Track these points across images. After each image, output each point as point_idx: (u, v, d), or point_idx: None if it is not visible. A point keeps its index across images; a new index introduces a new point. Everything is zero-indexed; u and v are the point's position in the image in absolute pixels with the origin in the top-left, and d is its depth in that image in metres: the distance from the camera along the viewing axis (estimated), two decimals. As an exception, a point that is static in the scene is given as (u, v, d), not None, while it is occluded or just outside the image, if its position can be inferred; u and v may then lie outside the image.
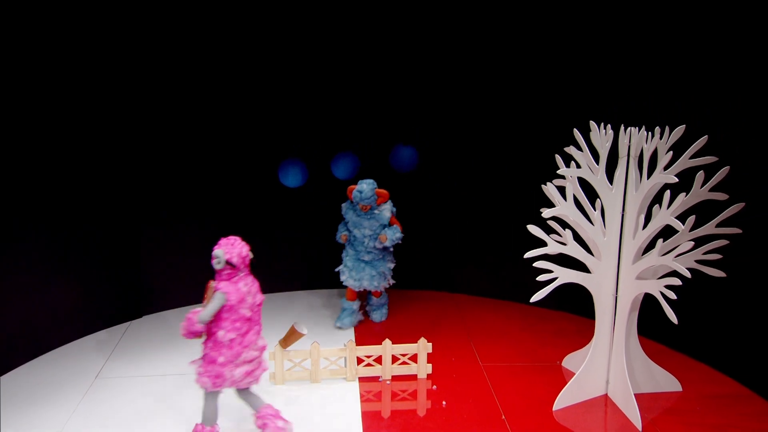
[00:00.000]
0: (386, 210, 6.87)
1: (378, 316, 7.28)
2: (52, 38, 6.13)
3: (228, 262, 4.75)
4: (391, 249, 7.12)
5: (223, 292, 4.71)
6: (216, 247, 4.84)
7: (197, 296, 7.65)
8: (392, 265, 7.14)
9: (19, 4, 5.80)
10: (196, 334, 4.74)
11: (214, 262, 4.80)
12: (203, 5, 6.87)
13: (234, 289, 4.76)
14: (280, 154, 7.35)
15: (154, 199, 7.27)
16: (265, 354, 5.11)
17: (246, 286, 4.85)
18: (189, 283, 7.61)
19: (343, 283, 7.08)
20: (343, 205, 7.05)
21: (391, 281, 7.15)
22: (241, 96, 7.31)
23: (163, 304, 7.59)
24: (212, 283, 4.86)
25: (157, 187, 7.27)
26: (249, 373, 4.91)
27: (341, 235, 7.05)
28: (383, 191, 6.75)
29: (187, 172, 7.36)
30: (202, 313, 4.69)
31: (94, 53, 6.53)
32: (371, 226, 6.84)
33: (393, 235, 6.83)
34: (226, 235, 5.35)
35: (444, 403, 5.92)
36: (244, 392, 5.08)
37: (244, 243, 4.91)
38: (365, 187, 6.68)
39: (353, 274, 6.98)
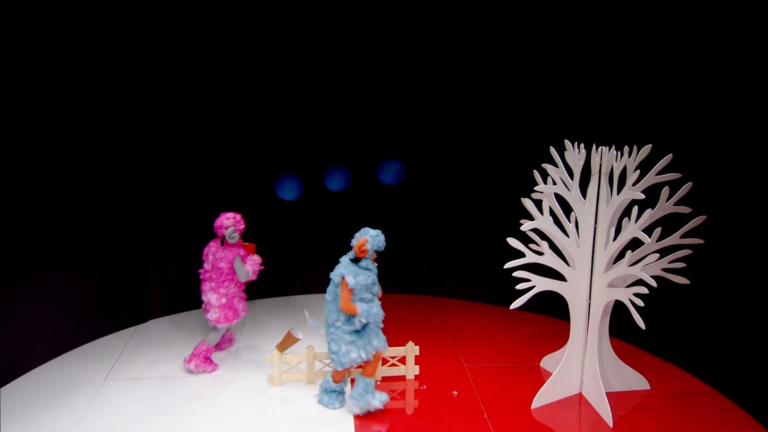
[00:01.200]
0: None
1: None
2: (54, 39, 5.99)
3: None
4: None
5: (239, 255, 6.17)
6: (224, 225, 6.06)
7: (200, 301, 7.74)
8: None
9: (20, 4, 5.65)
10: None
11: (230, 238, 6.09)
12: (208, 20, 6.81)
13: (207, 246, 6.26)
14: (277, 170, 7.30)
15: (158, 210, 7.21)
16: (213, 305, 6.13)
17: (214, 247, 6.20)
18: (192, 289, 7.61)
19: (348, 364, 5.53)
20: (345, 269, 5.39)
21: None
22: (245, 114, 7.27)
23: (168, 309, 7.55)
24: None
25: (161, 199, 7.21)
26: (204, 309, 6.27)
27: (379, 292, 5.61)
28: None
29: (191, 183, 7.30)
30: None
31: (101, 60, 6.40)
32: (374, 278, 5.56)
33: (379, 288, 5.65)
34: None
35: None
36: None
37: (225, 219, 6.11)
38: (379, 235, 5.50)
39: (364, 348, 5.53)
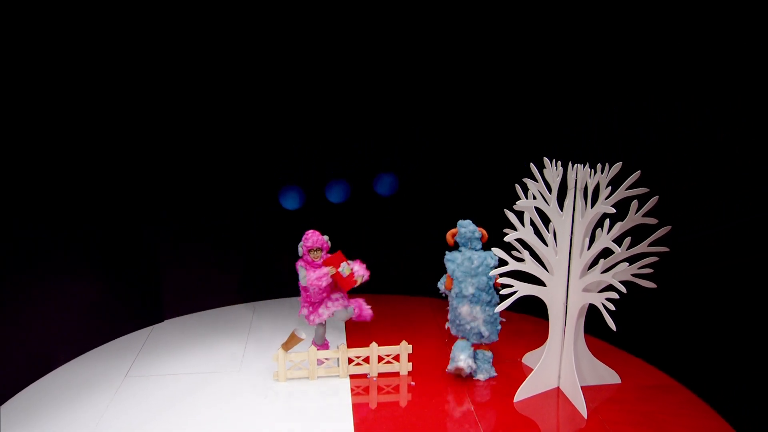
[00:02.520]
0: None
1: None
2: (57, 39, 5.81)
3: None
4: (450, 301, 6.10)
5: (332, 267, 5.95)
6: (312, 242, 5.97)
7: (213, 302, 7.72)
8: (452, 316, 6.06)
9: (24, 3, 5.47)
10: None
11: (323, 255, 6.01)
12: (217, 28, 6.69)
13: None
14: (281, 180, 7.29)
15: (172, 217, 7.17)
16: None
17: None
18: (205, 291, 7.65)
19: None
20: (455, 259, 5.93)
21: (452, 330, 6.12)
22: (254, 122, 7.21)
23: (182, 310, 7.53)
24: (327, 257, 6.01)
25: (175, 208, 7.16)
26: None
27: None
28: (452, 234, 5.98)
29: (206, 189, 7.25)
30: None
31: (109, 63, 6.24)
32: None
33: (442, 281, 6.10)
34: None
35: (413, 383, 6.04)
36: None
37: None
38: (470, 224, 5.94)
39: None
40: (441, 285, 6.12)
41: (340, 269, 5.85)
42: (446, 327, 6.14)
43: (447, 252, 5.99)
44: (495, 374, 6.11)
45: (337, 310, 6.09)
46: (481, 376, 6.06)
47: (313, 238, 5.96)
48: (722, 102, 5.32)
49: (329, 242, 6.09)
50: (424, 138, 7.42)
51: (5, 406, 5.65)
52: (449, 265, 5.90)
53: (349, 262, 6.00)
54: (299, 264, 6.04)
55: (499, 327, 5.99)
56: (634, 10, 5.89)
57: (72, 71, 6.03)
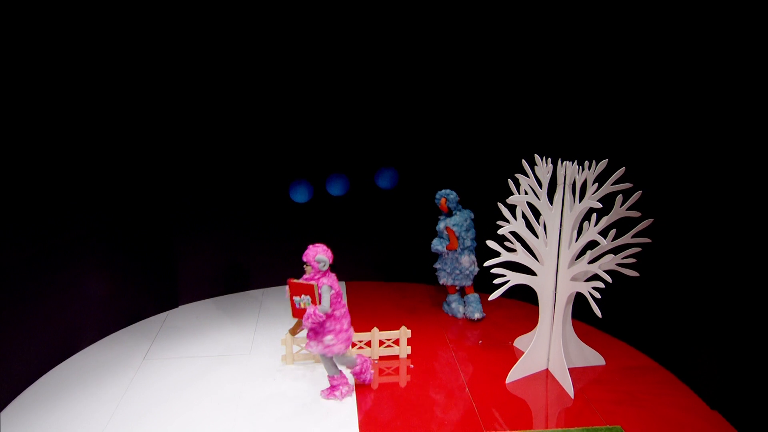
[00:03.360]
0: (442, 221, 6.76)
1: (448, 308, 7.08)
2: (80, 36, 5.75)
3: (330, 265, 5.24)
4: (444, 258, 6.83)
5: (328, 285, 5.15)
6: (313, 254, 5.20)
7: (224, 288, 7.71)
8: (439, 266, 6.88)
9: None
10: (319, 323, 5.14)
11: (319, 265, 5.16)
12: (243, 36, 6.70)
13: (333, 279, 5.24)
14: (291, 174, 7.26)
15: (186, 208, 7.16)
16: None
17: (334, 278, 5.29)
18: (216, 278, 7.66)
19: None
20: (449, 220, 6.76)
21: (443, 280, 6.91)
22: (266, 130, 7.24)
23: (195, 296, 7.53)
24: (294, 281, 5.16)
25: (189, 198, 7.14)
26: (347, 340, 5.36)
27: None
28: (443, 203, 6.66)
29: (215, 185, 7.25)
30: (321, 306, 5.08)
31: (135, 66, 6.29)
32: (438, 229, 6.79)
33: (434, 244, 6.77)
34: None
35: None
36: (339, 357, 5.45)
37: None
38: (439, 192, 6.71)
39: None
40: (440, 246, 6.75)
41: (296, 298, 5.14)
42: (441, 282, 7.02)
43: (445, 218, 6.71)
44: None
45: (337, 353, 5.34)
46: (477, 314, 6.83)
47: (307, 251, 5.26)
48: (702, 101, 5.32)
49: (324, 263, 5.19)
50: (425, 137, 7.41)
51: (35, 385, 5.70)
52: (456, 228, 6.62)
53: (319, 294, 5.14)
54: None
55: None
56: (620, 16, 5.90)
57: (102, 69, 6.05)
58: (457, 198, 6.69)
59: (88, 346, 6.42)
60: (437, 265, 6.97)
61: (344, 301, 5.41)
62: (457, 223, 6.65)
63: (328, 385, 5.52)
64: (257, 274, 7.93)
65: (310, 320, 5.08)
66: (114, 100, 6.24)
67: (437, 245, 6.78)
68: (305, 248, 5.76)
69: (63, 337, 6.11)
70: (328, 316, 5.18)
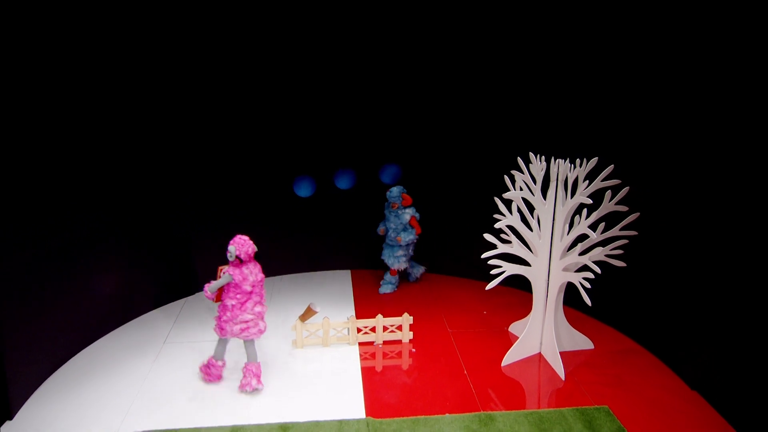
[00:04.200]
0: (407, 213, 7.01)
1: (385, 288, 7.39)
2: (89, 38, 5.64)
3: (237, 257, 5.17)
4: (408, 244, 7.19)
5: (230, 274, 5.19)
6: (231, 243, 5.19)
7: None
8: (402, 252, 7.20)
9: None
10: (210, 298, 5.29)
11: (227, 254, 5.19)
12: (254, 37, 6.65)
13: (238, 272, 5.18)
14: (296, 170, 7.29)
15: (202, 204, 7.18)
16: (264, 318, 5.43)
17: (248, 269, 5.23)
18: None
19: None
20: (385, 204, 7.18)
21: (403, 266, 7.26)
22: (273, 129, 7.24)
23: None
24: (222, 268, 5.33)
25: (204, 195, 7.15)
26: (243, 330, 5.30)
27: (380, 229, 7.18)
28: (407, 196, 6.96)
29: (229, 181, 7.25)
30: (210, 285, 5.25)
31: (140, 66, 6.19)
32: (395, 222, 7.01)
33: (406, 237, 7.04)
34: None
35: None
36: (245, 344, 5.42)
37: (251, 242, 5.25)
38: (394, 189, 6.95)
39: (383, 254, 7.25)
40: (413, 236, 7.09)
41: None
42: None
43: (405, 211, 7.00)
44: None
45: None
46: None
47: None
48: (683, 104, 5.35)
49: (231, 255, 5.18)
50: (426, 136, 7.41)
51: (65, 366, 5.78)
52: (417, 215, 7.10)
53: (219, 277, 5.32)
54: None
55: None
56: (607, 26, 5.91)
57: (115, 72, 6.01)
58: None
59: (114, 330, 6.49)
60: (401, 253, 7.19)
61: (252, 300, 5.27)
62: (414, 212, 7.03)
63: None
64: (267, 264, 7.86)
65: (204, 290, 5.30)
66: (130, 103, 6.22)
67: (411, 236, 7.07)
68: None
69: (91, 322, 6.19)
70: (222, 299, 5.31)
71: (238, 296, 5.22)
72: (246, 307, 5.26)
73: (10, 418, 4.99)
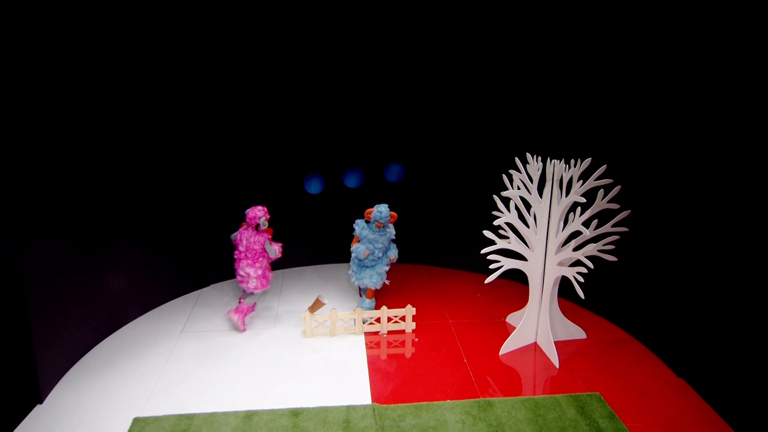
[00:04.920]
0: (392, 228, 6.40)
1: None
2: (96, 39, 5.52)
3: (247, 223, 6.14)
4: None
5: (236, 234, 6.22)
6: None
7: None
8: (387, 268, 6.47)
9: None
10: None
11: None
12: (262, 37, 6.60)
13: (239, 233, 6.20)
14: (305, 168, 7.31)
15: (213, 201, 7.17)
16: (252, 276, 6.21)
17: (246, 233, 6.16)
18: None
19: (354, 283, 6.54)
20: (358, 225, 6.36)
21: (387, 281, 6.54)
22: (283, 130, 7.24)
23: (222, 276, 7.54)
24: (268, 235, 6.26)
25: (217, 192, 7.15)
26: (240, 282, 6.29)
27: (365, 251, 6.22)
28: (394, 213, 6.31)
29: (243, 179, 7.24)
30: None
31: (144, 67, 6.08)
32: (382, 240, 6.26)
33: (395, 252, 6.42)
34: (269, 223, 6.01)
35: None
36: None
37: (258, 211, 6.11)
38: (383, 208, 6.14)
39: (358, 276, 6.43)
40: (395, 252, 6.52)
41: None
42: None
43: (389, 230, 6.40)
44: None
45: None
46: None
47: (266, 210, 6.18)
48: (671, 108, 5.34)
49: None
50: (429, 138, 7.39)
51: (89, 354, 5.85)
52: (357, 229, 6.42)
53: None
54: (264, 237, 6.17)
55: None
56: (601, 32, 5.92)
57: (126, 74, 5.95)
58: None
59: (134, 320, 6.53)
60: (385, 269, 6.46)
61: (245, 261, 6.24)
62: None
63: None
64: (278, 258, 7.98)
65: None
66: (147, 105, 6.19)
67: (395, 252, 6.46)
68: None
69: (112, 313, 6.24)
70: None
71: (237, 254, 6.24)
72: (239, 266, 6.21)
73: (41, 402, 5.07)
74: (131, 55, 5.93)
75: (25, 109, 4.83)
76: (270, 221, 6.33)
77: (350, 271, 6.55)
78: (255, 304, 6.50)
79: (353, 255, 6.39)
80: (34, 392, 5.02)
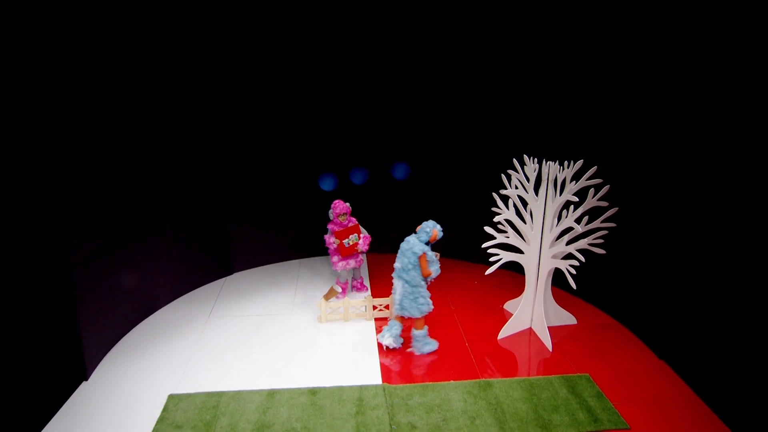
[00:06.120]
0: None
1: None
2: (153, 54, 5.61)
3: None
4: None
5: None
6: (346, 205, 6.26)
7: (268, 259, 7.75)
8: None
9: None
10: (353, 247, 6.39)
11: (349, 212, 6.31)
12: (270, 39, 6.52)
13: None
14: (319, 168, 7.32)
15: (237, 197, 7.19)
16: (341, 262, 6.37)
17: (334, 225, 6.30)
18: (262, 251, 7.72)
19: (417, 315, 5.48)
20: (423, 245, 5.31)
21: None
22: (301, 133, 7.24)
23: (246, 265, 7.62)
24: (338, 230, 6.20)
25: (240, 190, 7.17)
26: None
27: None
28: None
29: (261, 177, 7.26)
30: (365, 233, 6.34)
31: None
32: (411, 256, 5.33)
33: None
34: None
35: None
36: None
37: (336, 205, 6.23)
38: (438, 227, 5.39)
39: (407, 305, 5.45)
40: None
41: (344, 240, 6.15)
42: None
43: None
44: (394, 346, 5.44)
45: (343, 271, 6.54)
46: (383, 340, 5.47)
47: (340, 206, 6.26)
48: (659, 112, 5.31)
49: (349, 208, 6.35)
50: (432, 140, 7.37)
51: (127, 336, 5.95)
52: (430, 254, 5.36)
53: (362, 234, 6.33)
54: (330, 226, 6.39)
55: (422, 304, 5.26)
56: (594, 37, 5.89)
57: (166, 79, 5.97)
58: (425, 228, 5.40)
59: (165, 305, 6.62)
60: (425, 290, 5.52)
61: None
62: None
63: (340, 291, 6.58)
64: (294, 248, 8.04)
65: (367, 243, 6.34)
66: (168, 102, 6.13)
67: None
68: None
69: (146, 299, 6.34)
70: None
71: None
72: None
73: (86, 379, 5.21)
74: (178, 58, 5.97)
75: (66, 115, 4.90)
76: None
77: (421, 301, 5.30)
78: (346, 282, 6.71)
79: (427, 280, 5.33)
80: (80, 370, 5.15)
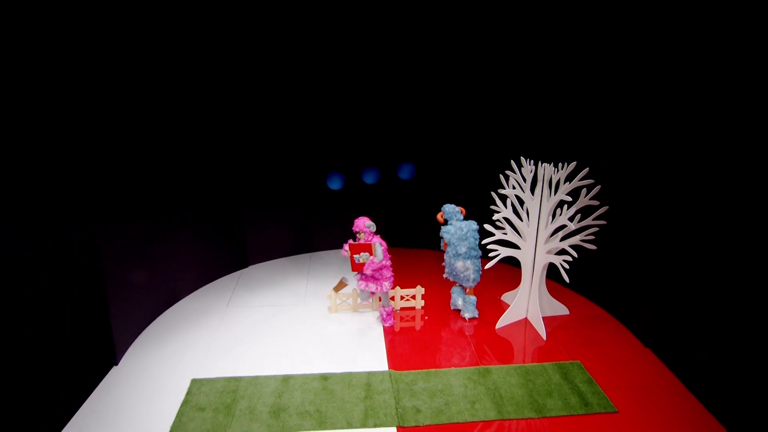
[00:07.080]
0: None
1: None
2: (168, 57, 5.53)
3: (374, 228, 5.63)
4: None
5: (379, 242, 5.61)
6: (364, 223, 5.64)
7: (281, 252, 7.75)
8: (450, 269, 5.98)
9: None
10: (378, 270, 5.66)
11: (370, 229, 5.63)
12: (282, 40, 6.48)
13: (381, 240, 5.66)
14: (328, 166, 7.31)
15: (252, 194, 7.20)
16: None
17: (380, 238, 5.68)
18: (276, 244, 7.73)
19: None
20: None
21: (450, 278, 6.04)
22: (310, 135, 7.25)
23: (261, 258, 7.61)
24: (352, 243, 5.55)
25: (255, 187, 7.17)
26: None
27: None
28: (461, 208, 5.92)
29: (275, 175, 7.24)
30: (377, 257, 5.58)
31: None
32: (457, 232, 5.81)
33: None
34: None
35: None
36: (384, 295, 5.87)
37: (357, 221, 5.69)
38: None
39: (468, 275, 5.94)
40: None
41: (355, 255, 5.56)
42: (444, 276, 6.11)
43: (442, 228, 5.88)
44: (477, 315, 5.98)
45: (364, 291, 5.82)
46: (467, 314, 5.97)
47: (356, 224, 5.69)
48: (649, 115, 5.27)
49: (373, 227, 5.68)
50: (435, 141, 7.30)
51: (153, 324, 6.00)
52: (446, 236, 5.80)
53: (372, 258, 5.56)
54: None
55: (481, 273, 5.95)
56: (589, 40, 5.87)
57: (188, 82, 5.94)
58: (455, 211, 5.81)
59: (186, 296, 6.64)
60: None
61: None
62: (447, 231, 5.78)
63: (384, 314, 5.93)
64: (305, 242, 8.06)
65: (370, 268, 5.57)
66: (189, 101, 6.09)
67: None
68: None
69: (168, 291, 6.40)
70: (383, 264, 5.65)
71: (388, 257, 5.78)
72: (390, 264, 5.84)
73: (116, 364, 5.28)
74: (203, 62, 5.97)
75: (96, 114, 4.90)
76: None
77: (474, 271, 5.82)
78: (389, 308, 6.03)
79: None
80: (110, 356, 5.23)
